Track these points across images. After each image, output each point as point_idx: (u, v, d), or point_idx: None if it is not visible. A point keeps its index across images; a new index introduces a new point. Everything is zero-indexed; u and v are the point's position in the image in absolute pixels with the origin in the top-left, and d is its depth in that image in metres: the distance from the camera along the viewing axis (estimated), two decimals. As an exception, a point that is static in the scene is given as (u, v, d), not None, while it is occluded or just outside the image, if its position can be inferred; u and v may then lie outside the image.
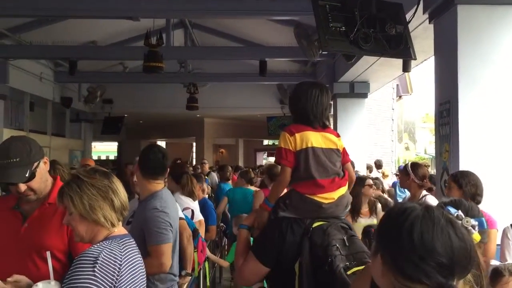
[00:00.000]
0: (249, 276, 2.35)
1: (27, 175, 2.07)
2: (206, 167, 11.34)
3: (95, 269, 1.63)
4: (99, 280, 1.63)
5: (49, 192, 2.20)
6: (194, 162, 17.90)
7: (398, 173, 8.41)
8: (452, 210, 1.49)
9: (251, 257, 2.31)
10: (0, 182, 2.11)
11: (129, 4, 6.89)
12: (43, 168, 2.17)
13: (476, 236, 1.43)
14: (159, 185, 2.86)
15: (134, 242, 1.86)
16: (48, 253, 1.98)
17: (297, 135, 2.37)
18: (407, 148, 17.98)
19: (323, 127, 2.47)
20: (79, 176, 1.80)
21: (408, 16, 4.41)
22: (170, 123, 18.60)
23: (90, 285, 1.61)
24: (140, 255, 1.85)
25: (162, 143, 24.68)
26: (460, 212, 1.48)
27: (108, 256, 1.68)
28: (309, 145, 2.35)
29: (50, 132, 12.94)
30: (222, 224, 6.64)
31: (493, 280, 2.60)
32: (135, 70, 12.02)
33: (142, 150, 3.01)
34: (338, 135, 2.52)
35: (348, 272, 2.03)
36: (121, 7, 6.84)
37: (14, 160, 2.05)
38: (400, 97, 17.68)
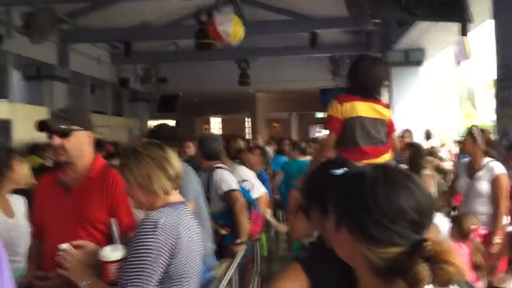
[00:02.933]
0: (300, 230, 2.46)
1: (62, 126, 2.18)
2: (260, 141, 11.45)
3: (157, 232, 1.75)
4: (161, 243, 1.75)
5: (90, 166, 2.29)
6: (248, 137, 18.10)
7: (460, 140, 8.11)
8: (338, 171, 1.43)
9: (301, 213, 2.48)
10: (41, 122, 2.18)
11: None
12: (84, 137, 2.26)
13: None
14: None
15: (189, 209, 1.97)
16: (112, 220, 2.12)
17: (347, 104, 2.56)
18: (467, 116, 17.28)
19: (373, 98, 2.65)
20: (136, 148, 1.93)
21: (464, -23, 4.22)
22: (223, 99, 18.83)
23: (153, 248, 1.73)
24: (195, 221, 1.96)
25: (216, 120, 25.10)
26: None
27: (167, 221, 1.79)
28: (356, 115, 2.55)
29: (109, 112, 13.50)
30: (276, 197, 6.74)
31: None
32: (187, 48, 12.21)
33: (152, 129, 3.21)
34: (387, 106, 2.71)
35: None
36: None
37: (63, 114, 2.22)
38: (459, 63, 16.90)
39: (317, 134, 23.03)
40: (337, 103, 2.59)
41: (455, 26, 5.35)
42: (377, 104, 2.65)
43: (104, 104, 13.42)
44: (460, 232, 2.99)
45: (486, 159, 3.81)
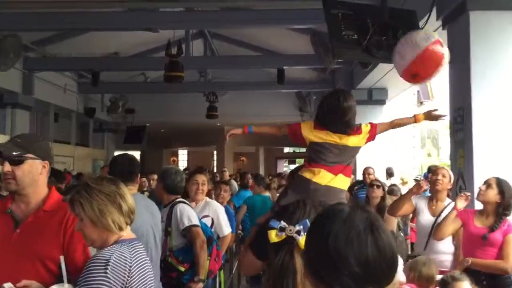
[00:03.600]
0: (246, 265, 2.58)
1: (14, 153, 2.09)
2: (226, 175, 11.42)
3: (107, 271, 1.71)
4: (111, 281, 1.71)
5: (44, 200, 2.18)
6: (215, 170, 18.03)
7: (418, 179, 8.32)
8: (274, 223, 1.42)
9: (248, 249, 2.55)
10: None
11: (149, 17, 7.08)
12: (37, 167, 2.15)
13: (301, 242, 1.35)
14: (130, 191, 2.82)
15: (142, 246, 1.94)
16: (61, 258, 2.05)
17: (316, 132, 2.91)
18: (429, 155, 17.80)
19: (343, 133, 2.92)
20: (88, 183, 1.90)
21: (421, 23, 4.42)
22: (191, 132, 18.79)
23: (103, 286, 1.69)
24: (148, 258, 1.93)
25: (183, 152, 24.95)
26: (282, 223, 1.41)
27: (119, 259, 1.76)
28: (324, 140, 2.88)
29: (74, 142, 13.25)
30: (240, 232, 6.69)
31: None
32: (156, 80, 12.25)
33: (110, 160, 3.11)
34: (357, 131, 2.99)
35: None
36: (141, 19, 7.04)
37: (18, 141, 2.15)
38: (421, 103, 17.48)
39: (284, 169, 23.17)
40: (312, 125, 2.94)
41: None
42: (347, 137, 2.92)
43: (69, 133, 13.19)
44: (416, 279, 2.97)
45: (448, 199, 3.95)
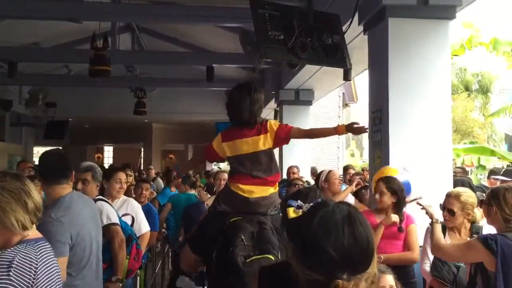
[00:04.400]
0: (185, 261, 2.70)
1: None
2: (152, 172, 11.23)
3: (10, 273, 1.61)
4: (14, 283, 1.61)
5: None
6: (142, 168, 17.64)
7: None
8: (292, 202, 1.62)
9: (187, 246, 2.67)
10: None
11: (70, 6, 6.75)
12: None
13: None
14: (62, 190, 2.68)
15: (49, 245, 1.84)
16: None
17: (225, 144, 2.75)
18: (352, 155, 18.50)
19: (249, 129, 2.75)
20: None
21: (344, 27, 4.57)
22: (117, 128, 18.24)
23: None
24: (55, 259, 1.84)
25: (109, 148, 24.17)
26: (299, 202, 1.61)
27: (23, 260, 1.66)
28: (234, 154, 2.74)
29: (-13, 136, 12.44)
30: (164, 230, 6.58)
31: None
32: (80, 73, 11.74)
33: (39, 157, 2.94)
34: (265, 132, 2.73)
35: (247, 260, 2.33)
36: (61, 8, 6.68)
37: None
38: (346, 104, 18.15)
39: (213, 167, 23.09)
40: (220, 139, 2.79)
41: (339, 71, 5.75)
42: (254, 136, 2.73)
43: (-18, 126, 12.35)
44: None
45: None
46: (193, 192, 6.46)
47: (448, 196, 3.30)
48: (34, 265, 1.68)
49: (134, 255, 3.67)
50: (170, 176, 7.92)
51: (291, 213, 1.61)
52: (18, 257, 1.66)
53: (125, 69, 11.98)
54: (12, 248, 1.70)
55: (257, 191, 2.67)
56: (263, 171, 2.73)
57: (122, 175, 4.40)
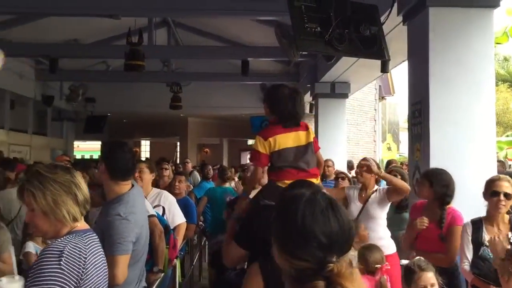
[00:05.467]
0: (231, 257, 2.67)
1: None
2: (189, 166, 11.34)
3: (61, 262, 1.64)
4: (65, 272, 1.64)
5: None
6: (178, 161, 17.88)
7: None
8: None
9: (232, 242, 2.63)
10: None
11: (110, 2, 6.88)
12: None
13: None
14: (126, 186, 2.69)
15: (97, 237, 1.88)
16: (11, 249, 1.98)
17: (270, 139, 2.74)
18: (389, 149, 18.18)
19: (295, 125, 2.82)
20: (40, 172, 1.79)
21: (382, 18, 4.48)
22: (153, 122, 18.54)
23: (56, 278, 1.62)
24: (102, 250, 1.88)
25: (146, 143, 24.60)
26: None
27: (73, 250, 1.70)
28: (279, 147, 2.73)
29: (31, 130, 12.83)
30: (201, 223, 6.65)
31: (407, 278, 2.74)
32: (118, 68, 11.97)
33: (108, 149, 2.77)
34: (306, 127, 2.87)
35: None
36: (101, 5, 6.82)
37: None
38: (383, 97, 17.84)
39: (248, 161, 23.18)
40: (261, 139, 2.76)
41: (377, 62, 5.65)
42: (298, 131, 2.82)
43: (25, 122, 12.75)
44: (365, 268, 3.00)
45: (376, 186, 4.09)
46: (228, 185, 6.50)
47: (498, 180, 3.19)
48: (84, 255, 1.72)
49: (173, 245, 3.72)
50: (206, 170, 7.99)
51: None
52: (68, 247, 1.69)
53: (162, 64, 12.15)
54: (62, 238, 1.75)
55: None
56: (308, 164, 2.79)
57: (141, 165, 4.34)
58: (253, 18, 8.88)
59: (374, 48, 4.44)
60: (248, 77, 10.10)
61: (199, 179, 9.43)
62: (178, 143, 20.95)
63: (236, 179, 7.78)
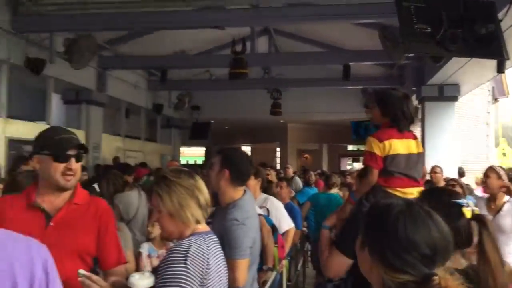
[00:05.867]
0: (335, 267, 2.59)
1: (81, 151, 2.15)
2: (290, 171, 11.38)
3: (187, 261, 1.72)
4: (191, 271, 1.72)
5: (73, 192, 2.15)
6: (278, 167, 18.07)
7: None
8: (460, 201, 1.59)
9: (335, 250, 2.55)
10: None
11: (216, 15, 7.17)
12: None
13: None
14: (241, 191, 2.73)
15: (217, 239, 1.95)
16: (145, 245, 2.08)
17: (385, 143, 2.66)
18: (504, 154, 16.79)
19: (407, 132, 2.77)
20: (167, 176, 1.91)
21: (500, 15, 4.17)
22: (254, 128, 18.95)
23: (183, 277, 1.70)
24: (222, 252, 1.95)
25: (247, 148, 25.19)
26: (464, 201, 1.61)
27: (198, 250, 1.77)
28: (394, 153, 2.65)
29: (143, 137, 13.76)
30: (304, 229, 6.64)
31: None
32: (220, 77, 12.44)
33: (230, 154, 2.80)
34: (415, 137, 2.81)
35: None
36: (208, 17, 7.15)
37: (74, 137, 2.22)
38: (496, 100, 16.58)
39: (348, 167, 22.78)
40: (376, 140, 2.68)
41: (491, 62, 5.27)
42: (410, 139, 2.76)
43: (138, 129, 13.70)
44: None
45: (507, 196, 3.85)
46: (332, 191, 6.43)
47: None
48: (206, 256, 1.79)
49: (281, 244, 3.75)
50: (308, 176, 7.98)
51: (467, 213, 1.57)
52: (193, 247, 1.77)
53: (262, 71, 12.39)
54: (186, 239, 1.83)
55: (415, 193, 2.56)
56: (419, 174, 2.73)
57: None
58: (353, 21, 8.73)
59: (491, 47, 4.15)
60: (349, 82, 9.95)
61: (301, 185, 9.44)
62: (278, 149, 21.17)
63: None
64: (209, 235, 1.91)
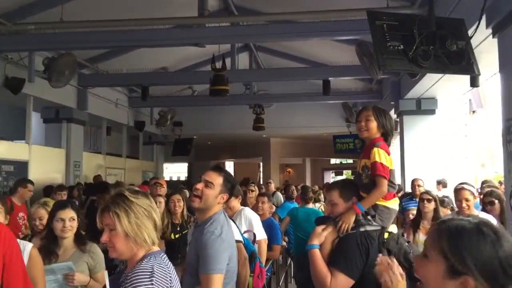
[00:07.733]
0: None
1: None
2: (272, 186, 11.42)
3: (153, 281, 1.74)
4: None
5: None
6: (261, 182, 18.09)
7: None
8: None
9: (339, 273, 2.43)
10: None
11: (196, 32, 7.23)
12: None
13: None
14: (219, 206, 2.73)
15: (166, 257, 1.94)
16: (105, 272, 2.08)
17: (391, 157, 2.78)
18: (483, 165, 17.04)
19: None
20: (125, 195, 1.86)
21: (470, 32, 4.31)
22: (237, 143, 18.98)
23: None
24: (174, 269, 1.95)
25: (230, 164, 25.17)
26: None
27: (161, 269, 1.80)
28: (391, 167, 2.76)
29: (125, 154, 13.68)
30: (285, 243, 6.65)
31: None
32: (203, 93, 12.49)
33: (231, 179, 2.81)
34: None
35: None
36: (187, 35, 7.20)
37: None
38: (473, 112, 16.86)
39: (331, 180, 22.91)
40: (386, 153, 2.74)
41: (466, 77, 5.40)
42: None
43: (120, 146, 13.63)
44: None
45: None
46: (311, 206, 6.46)
47: None
48: (169, 274, 1.83)
49: (258, 273, 3.63)
50: (290, 190, 8.02)
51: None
52: (156, 267, 1.79)
53: (244, 87, 12.48)
54: (147, 259, 1.83)
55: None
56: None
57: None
58: (332, 38, 8.88)
59: (463, 63, 4.27)
60: (329, 96, 10.07)
61: (282, 200, 9.47)
62: (261, 163, 21.22)
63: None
64: (162, 254, 1.92)
